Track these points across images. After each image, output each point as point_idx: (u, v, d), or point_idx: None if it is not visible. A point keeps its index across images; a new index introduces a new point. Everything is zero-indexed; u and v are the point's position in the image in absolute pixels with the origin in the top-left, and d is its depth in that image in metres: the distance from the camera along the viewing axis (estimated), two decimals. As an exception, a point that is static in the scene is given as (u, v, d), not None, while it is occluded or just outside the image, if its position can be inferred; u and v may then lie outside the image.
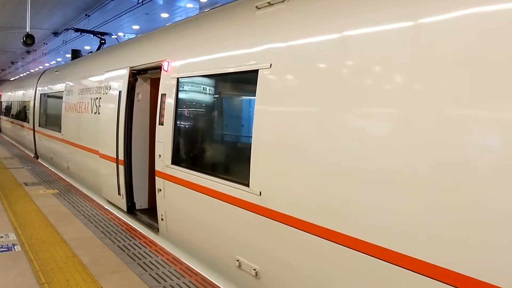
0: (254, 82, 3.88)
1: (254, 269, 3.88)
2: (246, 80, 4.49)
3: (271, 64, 3.69)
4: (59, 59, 33.14)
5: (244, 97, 5.08)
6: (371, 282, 2.82)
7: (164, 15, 18.72)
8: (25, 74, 38.19)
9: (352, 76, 3.00)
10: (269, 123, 3.70)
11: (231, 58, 4.35)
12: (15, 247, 5.18)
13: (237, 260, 4.10)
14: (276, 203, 3.56)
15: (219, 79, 4.85)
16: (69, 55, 25.84)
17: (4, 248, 5.14)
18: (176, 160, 5.23)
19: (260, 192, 3.71)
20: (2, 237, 5.54)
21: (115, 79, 7.21)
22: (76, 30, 13.42)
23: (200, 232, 4.81)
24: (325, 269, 3.16)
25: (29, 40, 12.02)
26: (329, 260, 3.11)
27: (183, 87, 5.28)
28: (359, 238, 2.85)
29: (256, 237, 3.83)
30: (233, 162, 4.71)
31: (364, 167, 2.83)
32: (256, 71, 3.85)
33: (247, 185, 3.87)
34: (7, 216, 6.50)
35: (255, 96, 3.87)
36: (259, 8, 4.10)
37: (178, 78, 5.24)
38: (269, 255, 3.70)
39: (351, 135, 2.96)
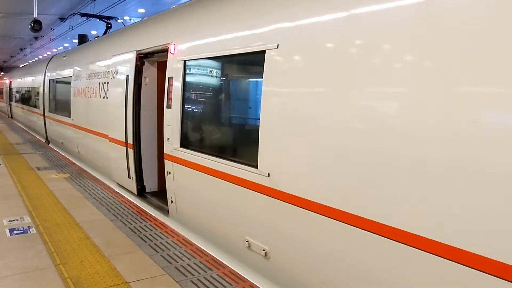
0: (261, 63, 3.84)
1: (263, 250, 3.91)
2: (253, 62, 4.45)
3: (278, 45, 3.64)
4: (66, 45, 33.11)
5: (251, 79, 5.04)
6: (379, 261, 2.83)
7: (170, -3, 18.50)
8: (33, 60, 38.30)
9: (361, 54, 2.95)
10: (277, 104, 3.68)
11: (238, 39, 4.30)
12: (30, 229, 5.28)
13: (247, 241, 4.14)
14: (285, 184, 3.56)
15: (226, 60, 4.81)
16: (76, 40, 25.78)
17: (20, 230, 5.23)
18: (185, 143, 5.24)
19: (269, 174, 3.71)
20: (17, 219, 5.64)
21: (122, 63, 7.19)
22: (83, 14, 13.34)
23: (209, 213, 4.85)
24: (333, 249, 3.17)
25: (36, 25, 12.02)
26: (337, 239, 3.12)
27: (190, 70, 5.26)
28: (367, 218, 2.85)
29: (265, 218, 3.85)
30: (241, 144, 4.71)
31: (373, 147, 2.81)
32: (263, 52, 3.80)
33: (256, 166, 3.88)
34: (21, 200, 6.60)
35: (262, 77, 3.84)
36: (265, -12, 4.03)
37: (185, 61, 5.21)
38: (278, 236, 3.72)
39: (360, 115, 2.93)
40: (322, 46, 3.27)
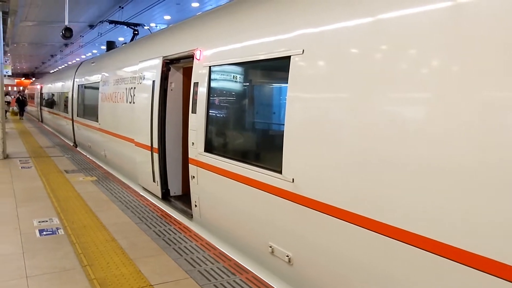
0: (286, 69, 3.83)
1: (287, 256, 3.88)
2: (277, 67, 4.45)
3: (303, 50, 3.63)
4: (94, 51, 33.96)
5: (275, 84, 5.04)
6: (406, 270, 2.76)
7: (195, 4, 18.77)
8: (63, 66, 39.42)
9: (387, 60, 2.90)
10: (302, 110, 3.66)
11: (263, 45, 4.31)
12: (58, 230, 5.40)
13: (270, 246, 4.12)
14: (309, 190, 3.53)
15: (251, 66, 4.83)
16: (104, 47, 26.45)
17: (49, 231, 5.36)
18: (209, 147, 5.27)
19: (293, 179, 3.69)
20: (47, 221, 5.78)
21: (149, 69, 7.31)
22: (111, 22, 13.66)
23: (233, 218, 4.85)
24: (359, 256, 3.12)
25: (67, 33, 12.37)
26: (363, 247, 3.07)
27: (215, 75, 5.30)
28: (394, 226, 2.79)
29: (289, 223, 3.83)
30: (265, 149, 4.70)
31: (399, 154, 2.76)
32: (288, 58, 3.80)
33: (280, 172, 3.86)
34: (50, 202, 6.78)
35: (286, 83, 3.83)
36: (291, -6, 4.04)
37: (210, 67, 5.26)
38: (302, 242, 3.69)
39: (386, 121, 2.88)
40: (347, 51, 3.24)
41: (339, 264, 3.31)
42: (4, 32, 12.18)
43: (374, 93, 2.97)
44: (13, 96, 38.10)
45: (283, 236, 3.95)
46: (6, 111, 24.42)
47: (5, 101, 13.10)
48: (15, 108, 29.14)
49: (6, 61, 23.70)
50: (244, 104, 5.26)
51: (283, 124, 3.85)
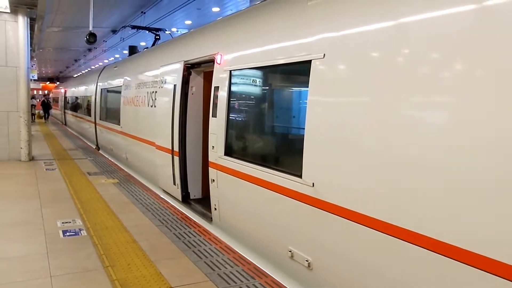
0: (307, 73, 3.83)
1: (306, 260, 3.86)
2: (298, 71, 4.45)
3: (324, 54, 3.63)
4: (117, 56, 34.59)
5: (295, 88, 5.04)
6: (430, 278, 2.71)
7: (215, 9, 18.95)
8: (86, 70, 40.28)
9: (410, 64, 2.87)
10: (323, 114, 3.65)
11: (283, 49, 4.32)
12: (81, 231, 5.51)
13: (290, 251, 4.10)
14: (330, 195, 3.51)
15: (271, 70, 4.84)
16: (126, 51, 26.88)
17: (72, 232, 5.48)
18: (229, 151, 5.30)
19: (313, 183, 3.67)
20: (70, 222, 5.91)
21: (170, 73, 7.41)
22: (133, 27, 13.91)
23: (252, 222, 4.86)
24: (380, 263, 3.08)
25: (91, 38, 12.64)
26: (385, 254, 3.03)
27: (235, 80, 5.33)
28: (416, 232, 2.75)
29: (309, 228, 3.81)
30: (285, 153, 4.70)
31: (421, 159, 2.72)
32: (309, 62, 3.80)
33: (300, 176, 3.85)
34: (73, 203, 6.92)
35: (307, 87, 3.83)
36: (311, -2, 4.04)
37: (230, 71, 5.29)
38: (322, 247, 3.67)
39: (408, 126, 2.85)
40: (368, 55, 3.22)
41: (360, 271, 3.28)
42: (31, 37, 12.56)
43: (396, 97, 2.95)
44: (38, 100, 39.10)
45: (303, 241, 3.93)
46: (33, 114, 25.19)
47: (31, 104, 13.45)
48: (41, 112, 29.90)
49: (32, 66, 24.38)
50: (264, 108, 5.27)
51: (303, 128, 3.85)
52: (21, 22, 10.90)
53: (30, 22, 11.41)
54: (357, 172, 3.23)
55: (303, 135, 3.84)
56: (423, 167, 2.70)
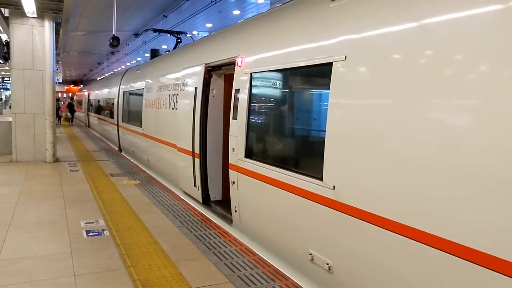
0: (327, 75, 3.82)
1: (327, 264, 3.84)
2: (318, 73, 4.44)
3: (346, 56, 3.61)
4: (139, 59, 35.14)
5: (316, 91, 5.03)
6: (453, 282, 2.66)
7: (236, 12, 19.05)
8: (109, 73, 41.05)
9: (435, 66, 2.83)
10: (344, 116, 3.63)
11: (304, 52, 4.31)
12: (104, 232, 5.61)
13: (310, 254, 4.09)
14: (351, 198, 3.49)
15: (292, 73, 4.84)
16: (147, 55, 27.29)
17: (95, 232, 5.59)
18: (249, 153, 5.32)
19: (334, 186, 3.65)
20: (93, 222, 6.03)
21: (191, 76, 7.49)
22: (155, 30, 14.10)
23: (272, 224, 4.86)
24: (402, 268, 3.04)
25: (115, 41, 12.90)
26: (407, 258, 2.99)
27: (256, 82, 5.35)
28: (439, 236, 2.70)
29: (330, 231, 3.79)
30: (306, 156, 4.69)
31: (447, 163, 2.67)
32: (330, 64, 3.78)
33: (321, 179, 3.84)
34: (96, 204, 7.06)
35: (327, 89, 3.82)
36: (333, 0, 4.03)
37: (251, 73, 5.32)
38: (343, 250, 3.64)
39: (431, 129, 2.81)
40: (391, 57, 3.19)
41: (382, 275, 3.24)
42: (56, 41, 12.87)
43: (420, 100, 2.91)
44: (62, 102, 40.03)
45: (323, 244, 3.91)
46: (59, 117, 25.75)
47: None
48: (68, 114, 30.43)
49: (57, 69, 24.97)
50: (285, 110, 5.27)
51: (324, 131, 3.83)
52: (47, 27, 11.21)
53: (55, 27, 11.71)
54: (379, 175, 3.20)
55: (324, 137, 3.83)
56: (448, 172, 2.66)
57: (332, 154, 3.72)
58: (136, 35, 23.20)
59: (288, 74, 4.94)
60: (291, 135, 5.13)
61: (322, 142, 3.86)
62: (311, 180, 4.00)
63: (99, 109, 21.32)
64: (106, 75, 42.01)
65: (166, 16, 18.21)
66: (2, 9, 10.89)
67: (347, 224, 3.54)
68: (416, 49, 2.97)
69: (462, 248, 2.54)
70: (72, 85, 57.23)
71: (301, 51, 4.37)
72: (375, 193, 3.25)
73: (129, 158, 12.87)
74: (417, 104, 2.92)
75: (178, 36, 13.16)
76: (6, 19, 11.34)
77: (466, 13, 2.64)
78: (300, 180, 4.19)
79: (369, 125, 3.34)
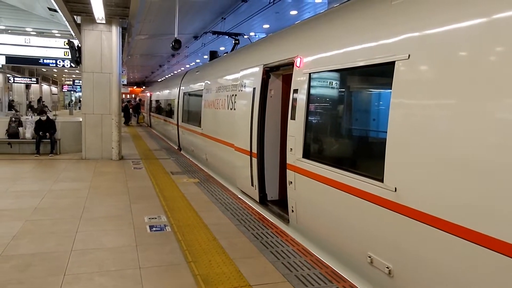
0: (388, 75, 3.74)
1: (387, 267, 3.76)
2: (378, 73, 4.36)
3: (409, 55, 3.52)
4: (197, 61, 36.12)
5: (376, 90, 4.93)
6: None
7: (293, 12, 19.02)
8: (170, 75, 42.60)
9: (506, 64, 2.69)
10: (407, 117, 3.53)
11: (364, 51, 4.25)
12: (166, 227, 5.87)
13: (369, 257, 4.02)
14: (413, 200, 3.39)
15: (351, 72, 4.78)
16: (206, 56, 28.02)
17: (158, 228, 5.86)
18: (307, 153, 5.32)
19: (395, 188, 3.57)
20: (156, 218, 6.32)
21: (249, 76, 7.61)
22: (213, 32, 14.44)
23: (330, 225, 4.83)
24: (470, 275, 2.91)
25: (176, 44, 13.39)
26: (473, 264, 2.86)
27: (314, 82, 5.34)
28: (509, 242, 2.56)
29: (390, 234, 3.71)
30: (365, 156, 4.62)
31: (519, 164, 2.53)
32: (392, 63, 3.70)
33: (381, 180, 3.77)
34: (159, 200, 7.38)
35: (389, 89, 3.74)
36: (396, -2, 3.94)
37: (310, 73, 5.31)
38: (404, 254, 3.55)
39: (502, 130, 2.67)
40: (459, 55, 3.06)
41: (445, 280, 3.12)
42: (122, 45, 13.58)
43: (490, 99, 2.77)
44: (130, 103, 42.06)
45: (383, 247, 3.83)
46: (128, 118, 26.90)
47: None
48: (144, 114, 31.61)
49: (123, 72, 26.35)
50: (343, 110, 5.22)
51: (385, 132, 3.76)
52: (114, 32, 11.88)
53: (121, 31, 12.38)
54: (444, 177, 3.09)
55: (385, 138, 3.75)
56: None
57: (394, 156, 3.64)
58: (196, 37, 23.88)
59: (348, 74, 4.89)
60: (350, 136, 5.07)
61: (382, 143, 3.78)
62: (371, 181, 3.94)
63: (160, 110, 22.18)
64: (166, 76, 43.67)
65: (225, 19, 18.59)
66: (75, 17, 11.68)
67: (409, 228, 3.45)
68: (486, 46, 2.83)
69: None
70: (135, 87, 60.05)
71: (361, 51, 4.31)
72: (439, 196, 3.14)
73: (188, 157, 13.30)
74: (487, 103, 2.79)
75: (236, 37, 13.40)
76: (78, 26, 12.16)
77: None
78: (359, 181, 4.13)
79: (433, 126, 3.23)
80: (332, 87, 5.27)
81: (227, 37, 14.82)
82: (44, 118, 12.86)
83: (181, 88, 15.53)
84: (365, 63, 4.21)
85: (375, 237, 3.94)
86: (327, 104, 5.44)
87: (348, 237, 4.46)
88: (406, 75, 3.58)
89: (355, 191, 4.20)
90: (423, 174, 3.31)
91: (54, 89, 54.47)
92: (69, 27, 13.76)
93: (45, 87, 48.03)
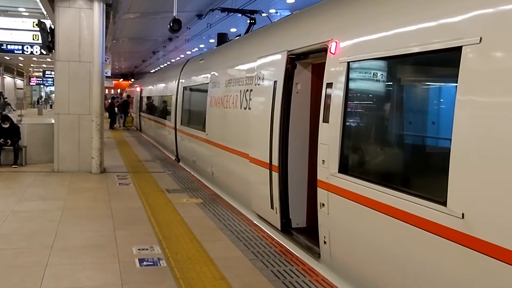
0: (453, 64, 3.70)
1: (453, 319, 3.69)
2: (439, 62, 4.32)
3: (481, 38, 3.47)
4: (201, 46, 36.39)
5: (437, 84, 4.89)
6: None
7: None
8: (165, 64, 42.99)
9: None
10: (480, 120, 3.48)
11: (420, 34, 4.22)
12: (160, 261, 5.89)
13: (428, 304, 3.95)
14: (488, 231, 3.32)
15: (404, 61, 4.75)
16: (212, 41, 28.20)
17: (150, 262, 5.88)
18: (345, 167, 5.28)
19: (463, 214, 3.51)
20: (147, 249, 6.35)
21: (269, 66, 7.62)
22: (223, 10, 14.53)
23: (376, 261, 4.77)
24: None
25: (175, 25, 13.48)
26: None
27: (355, 74, 5.32)
28: None
29: (458, 275, 3.64)
30: (422, 172, 4.56)
31: None
32: (459, 49, 3.66)
33: (444, 203, 3.71)
34: (151, 226, 7.43)
35: (454, 83, 3.70)
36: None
37: (349, 63, 5.29)
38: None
39: None
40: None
41: None
42: (106, 27, 13.77)
43: None
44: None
45: (448, 291, 3.76)
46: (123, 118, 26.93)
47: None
48: (133, 115, 31.84)
49: (106, 60, 26.68)
50: (395, 111, 5.17)
51: (449, 139, 3.71)
52: (97, 9, 12.02)
53: (106, 9, 12.54)
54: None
55: (449, 148, 3.71)
56: None
57: (461, 171, 3.58)
58: (200, 16, 24.05)
59: (399, 63, 4.85)
60: (401, 145, 5.02)
61: (445, 154, 3.73)
62: (430, 204, 3.88)
63: (153, 109, 22.37)
64: (161, 66, 44.09)
65: (237, -9, 18.70)
66: (47, -9, 11.92)
67: (481, 266, 3.38)
68: None
69: None
70: (122, 80, 60.45)
71: (416, 33, 4.28)
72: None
73: (188, 170, 13.37)
74: None
75: (252, 16, 13.44)
76: (51, 1, 12.35)
77: None
78: (413, 204, 4.08)
79: (515, 131, 3.18)
80: (377, 80, 5.24)
81: (240, 15, 14.89)
82: (6, 125, 12.72)
83: (180, 81, 15.65)
84: (420, 49, 4.17)
85: (437, 277, 3.87)
86: (371, 103, 5.40)
87: (399, 277, 4.39)
88: (477, 64, 3.53)
89: (410, 217, 4.14)
90: (501, 196, 3.25)
91: (19, 82, 55.65)
92: (39, 3, 14.01)
93: (7, 79, 49.08)
